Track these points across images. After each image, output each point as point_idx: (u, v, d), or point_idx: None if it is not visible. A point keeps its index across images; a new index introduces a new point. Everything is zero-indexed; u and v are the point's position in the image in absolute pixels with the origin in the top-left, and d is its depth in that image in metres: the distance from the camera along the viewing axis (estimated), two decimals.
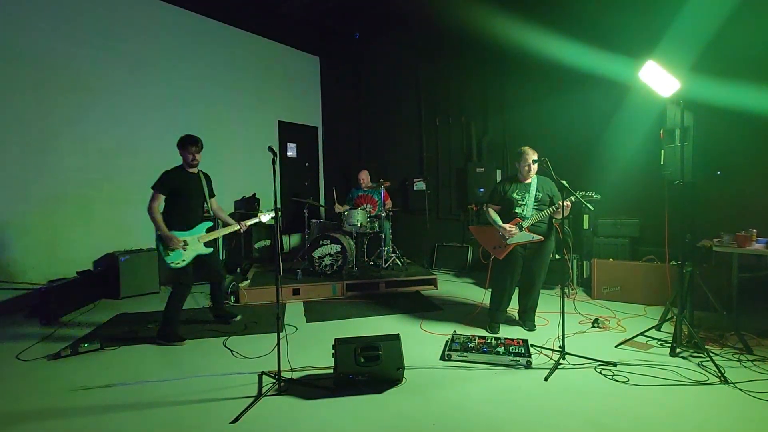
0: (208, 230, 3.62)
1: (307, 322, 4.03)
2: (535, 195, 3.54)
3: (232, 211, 6.54)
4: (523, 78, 5.86)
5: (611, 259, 4.66)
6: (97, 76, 5.13)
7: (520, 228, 3.50)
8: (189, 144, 3.55)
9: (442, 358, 3.08)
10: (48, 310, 4.07)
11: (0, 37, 4.36)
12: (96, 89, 5.12)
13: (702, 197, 3.96)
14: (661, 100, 3.32)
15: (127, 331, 3.75)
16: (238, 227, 3.70)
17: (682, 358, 3.02)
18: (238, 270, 5.84)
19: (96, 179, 5.13)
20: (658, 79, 3.07)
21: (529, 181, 3.58)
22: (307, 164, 7.94)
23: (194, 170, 3.63)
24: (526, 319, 3.74)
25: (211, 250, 3.61)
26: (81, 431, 2.23)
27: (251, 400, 2.47)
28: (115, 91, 5.30)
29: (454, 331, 3.42)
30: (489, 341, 3.17)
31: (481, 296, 4.80)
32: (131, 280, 5.01)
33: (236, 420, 2.29)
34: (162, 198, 3.45)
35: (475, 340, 3.21)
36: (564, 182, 3.09)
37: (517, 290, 3.78)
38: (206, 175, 3.75)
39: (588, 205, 3.12)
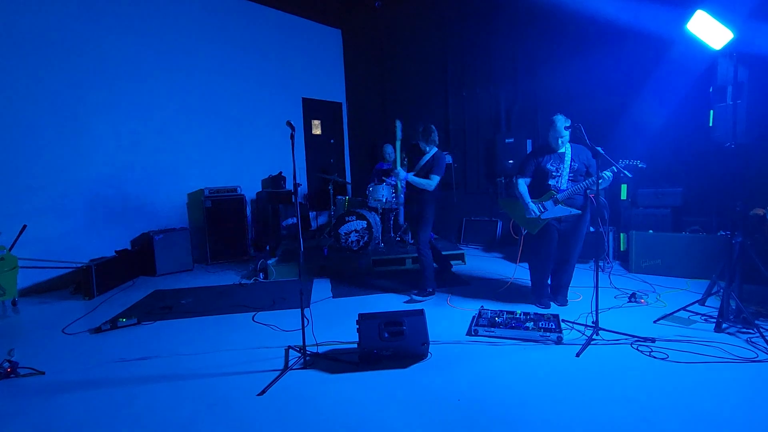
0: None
1: (333, 297, 4.05)
2: (571, 165, 3.30)
3: (260, 189, 6.62)
4: (554, 37, 5.49)
5: (651, 231, 4.40)
6: (126, 58, 5.20)
7: (556, 201, 3.29)
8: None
9: (468, 334, 3.02)
10: (91, 287, 4.30)
11: (32, 24, 4.47)
12: (125, 72, 5.20)
13: (756, 161, 3.62)
14: (711, 54, 2.99)
15: (162, 307, 3.91)
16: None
17: (729, 333, 2.83)
18: (267, 248, 5.95)
19: (129, 161, 5.28)
20: (709, 30, 2.76)
21: (562, 150, 3.34)
22: (332, 141, 7.89)
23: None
24: (559, 294, 3.57)
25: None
26: (118, 401, 2.34)
27: (278, 373, 2.52)
28: (143, 73, 5.36)
29: (482, 306, 3.34)
30: (517, 316, 3.08)
31: (511, 271, 4.67)
32: (166, 258, 5.20)
33: (263, 392, 2.33)
34: None
35: (503, 315, 3.12)
36: (599, 149, 2.88)
37: None
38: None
39: (626, 172, 2.89)
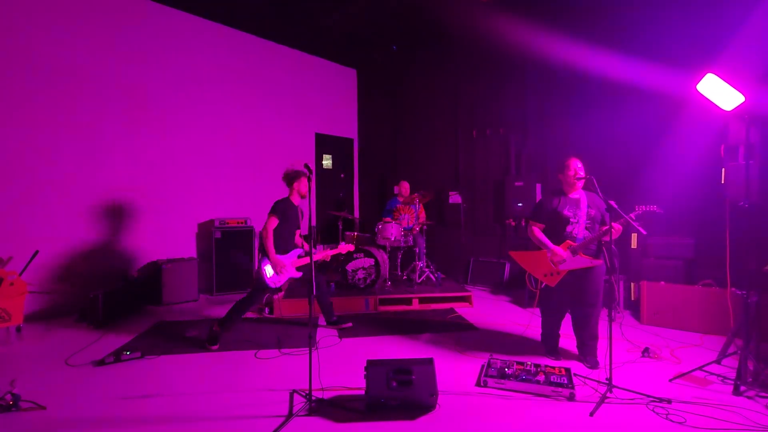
0: (299, 257, 3.94)
1: (339, 338, 3.99)
2: (588, 212, 3.21)
3: None
4: (566, 91, 5.64)
5: (663, 282, 4.34)
6: (146, 89, 5.39)
7: (574, 252, 3.16)
8: (305, 177, 3.86)
9: (477, 384, 2.95)
10: (96, 316, 4.27)
11: (59, 56, 4.69)
12: (146, 104, 5.39)
13: None
14: (722, 115, 3.06)
15: (165, 340, 3.87)
16: (324, 258, 3.93)
17: (747, 397, 2.74)
18: None
19: (143, 191, 5.37)
20: (719, 92, 2.84)
21: (577, 196, 3.30)
22: (342, 176, 8.01)
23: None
24: (587, 353, 3.27)
25: (300, 274, 3.93)
26: None
27: (282, 419, 2.45)
28: (163, 106, 5.55)
29: (491, 355, 3.27)
30: (527, 368, 3.01)
31: (520, 316, 4.61)
32: (173, 287, 5.19)
33: None
34: (277, 223, 3.75)
35: (512, 365, 3.05)
36: (612, 203, 2.89)
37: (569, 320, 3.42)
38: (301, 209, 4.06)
39: (641, 230, 2.87)
